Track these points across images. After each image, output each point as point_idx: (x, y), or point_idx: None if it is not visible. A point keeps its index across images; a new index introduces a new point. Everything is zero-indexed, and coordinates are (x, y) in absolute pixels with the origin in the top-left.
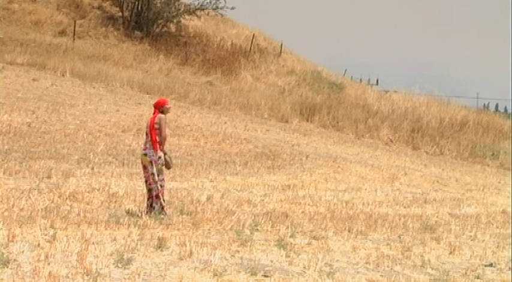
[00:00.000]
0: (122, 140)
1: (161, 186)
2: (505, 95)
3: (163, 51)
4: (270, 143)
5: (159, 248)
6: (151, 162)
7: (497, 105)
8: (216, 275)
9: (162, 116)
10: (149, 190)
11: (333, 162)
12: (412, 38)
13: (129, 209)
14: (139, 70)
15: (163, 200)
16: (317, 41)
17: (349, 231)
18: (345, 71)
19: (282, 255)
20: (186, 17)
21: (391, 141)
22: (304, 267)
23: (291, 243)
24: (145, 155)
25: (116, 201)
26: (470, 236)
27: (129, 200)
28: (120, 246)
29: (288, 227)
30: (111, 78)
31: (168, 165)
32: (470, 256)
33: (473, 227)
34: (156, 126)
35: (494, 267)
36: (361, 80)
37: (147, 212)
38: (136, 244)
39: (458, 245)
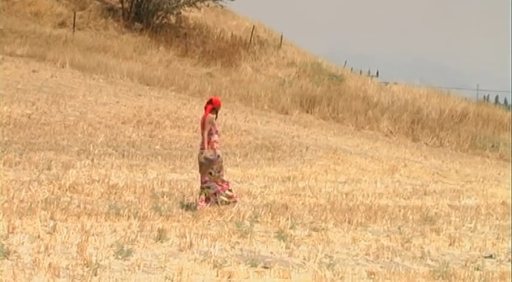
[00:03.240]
0: (122, 132)
1: (222, 181)
2: (505, 87)
3: (163, 43)
4: (270, 135)
5: (159, 239)
6: (212, 161)
7: (497, 97)
8: (216, 267)
9: (212, 116)
10: (203, 189)
11: (333, 153)
12: (412, 30)
13: (129, 200)
14: (139, 62)
15: (230, 190)
16: (317, 33)
17: (349, 223)
18: (345, 62)
19: (282, 247)
20: (186, 8)
21: (391, 132)
22: (304, 259)
23: (291, 235)
24: (202, 154)
25: (115, 193)
26: (470, 227)
27: (129, 191)
28: (120, 237)
29: (288, 219)
30: (111, 69)
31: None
32: (470, 248)
33: (473, 219)
34: (208, 126)
35: (494, 258)
36: (361, 71)
37: (198, 207)
38: (136, 235)
39: (458, 236)
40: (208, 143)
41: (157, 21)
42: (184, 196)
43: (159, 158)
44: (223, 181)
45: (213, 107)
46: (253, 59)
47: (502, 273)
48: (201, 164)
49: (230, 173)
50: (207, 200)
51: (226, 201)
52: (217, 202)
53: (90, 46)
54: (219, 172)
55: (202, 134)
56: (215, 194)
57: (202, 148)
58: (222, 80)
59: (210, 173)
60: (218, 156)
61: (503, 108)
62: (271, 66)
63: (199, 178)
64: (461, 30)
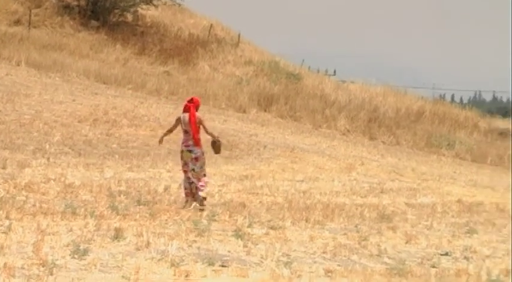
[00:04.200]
0: (78, 130)
1: (204, 175)
2: (460, 86)
3: (120, 41)
4: (227, 133)
5: (116, 238)
6: (196, 158)
7: (453, 96)
8: (173, 265)
9: (200, 115)
10: (190, 183)
11: (291, 152)
12: (369, 29)
13: (85, 199)
14: (95, 60)
15: (207, 192)
16: (275, 32)
17: (306, 221)
18: (303, 61)
19: (239, 245)
20: (143, 6)
21: (348, 131)
22: (262, 257)
23: (249, 233)
24: (189, 151)
25: (72, 192)
26: (426, 225)
27: (85, 190)
28: (76, 236)
29: (245, 217)
30: (67, 67)
31: (218, 150)
32: (426, 245)
33: (429, 217)
34: (198, 124)
35: (449, 256)
36: (318, 70)
37: (186, 204)
38: (93, 235)
39: (414, 234)
40: (199, 140)
41: (114, 19)
42: (141, 195)
43: (116, 156)
44: (204, 175)
45: (195, 106)
46: (210, 58)
47: (458, 271)
48: (186, 162)
49: None
50: (188, 195)
51: (204, 198)
52: (194, 198)
53: (46, 44)
54: (201, 168)
55: (193, 131)
56: (196, 188)
57: (188, 145)
58: (180, 79)
59: (193, 170)
60: (203, 153)
61: (459, 106)
62: (228, 64)
63: (183, 174)
64: (418, 30)
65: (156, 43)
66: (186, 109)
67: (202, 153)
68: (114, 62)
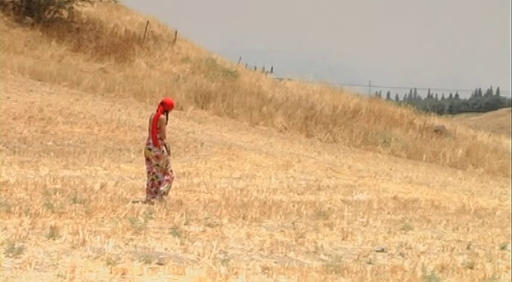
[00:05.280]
0: (13, 128)
1: (171, 171)
2: (396, 83)
3: (55, 38)
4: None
5: (52, 236)
6: (157, 156)
7: (388, 93)
8: (110, 264)
9: (163, 117)
10: (152, 180)
11: (228, 149)
12: (306, 27)
13: (20, 197)
14: (30, 56)
15: (169, 187)
16: (212, 29)
17: (243, 219)
18: (240, 58)
19: (176, 243)
20: (79, 3)
21: (285, 128)
22: (199, 255)
23: (186, 231)
24: (149, 149)
25: (6, 190)
26: (362, 222)
27: (20, 188)
28: (11, 235)
29: (182, 215)
30: (1, 64)
31: (168, 153)
32: (362, 242)
33: (365, 213)
34: (158, 125)
35: (385, 252)
36: (255, 67)
37: (147, 200)
38: (28, 233)
39: (351, 231)
40: (157, 140)
41: (49, 16)
42: (77, 193)
43: (52, 154)
44: (171, 171)
45: (164, 108)
46: (147, 55)
47: (394, 267)
48: (148, 158)
49: (124, 169)
50: (150, 189)
51: (165, 192)
52: (156, 192)
53: None
54: (166, 166)
55: (152, 131)
56: (160, 183)
57: (148, 144)
58: (116, 76)
59: (157, 165)
60: (163, 151)
61: (394, 104)
62: (165, 61)
63: (146, 169)
64: (354, 28)
65: (92, 40)
66: (158, 109)
67: (163, 152)
68: (49, 59)
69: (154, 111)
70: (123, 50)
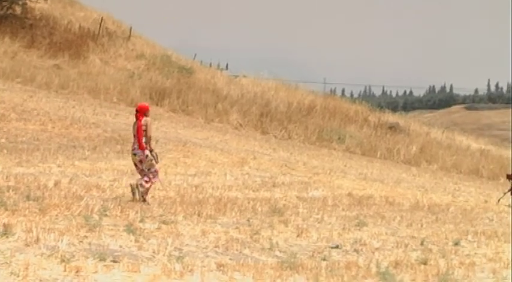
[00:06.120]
0: None
1: (153, 176)
2: (351, 80)
3: (8, 34)
4: (119, 128)
5: (5, 234)
6: (140, 160)
7: (343, 90)
8: (64, 261)
9: (149, 119)
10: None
11: (183, 146)
12: (260, 24)
13: None
14: None
15: (146, 191)
16: (167, 26)
17: (198, 216)
18: (195, 55)
19: (131, 240)
20: None
21: (241, 125)
22: (154, 252)
23: (141, 228)
24: (134, 154)
25: None
26: (317, 218)
27: None
28: None
29: (137, 212)
30: None
31: (155, 160)
32: (317, 238)
33: (320, 210)
34: (143, 128)
35: (340, 248)
36: (210, 64)
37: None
38: None
39: (306, 227)
40: (145, 143)
41: (1, 12)
42: (30, 190)
43: (4, 151)
44: (153, 176)
45: (142, 113)
46: (101, 51)
47: (348, 263)
48: (135, 163)
49: (78, 166)
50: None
51: (141, 192)
52: (137, 191)
53: None
54: (148, 169)
55: (138, 136)
56: (141, 185)
57: (133, 149)
58: (70, 72)
59: (142, 170)
60: (147, 156)
61: (349, 101)
62: (120, 58)
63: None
64: (309, 25)
65: (45, 36)
66: (136, 116)
67: (147, 156)
68: (2, 55)
69: (135, 120)
70: (77, 46)
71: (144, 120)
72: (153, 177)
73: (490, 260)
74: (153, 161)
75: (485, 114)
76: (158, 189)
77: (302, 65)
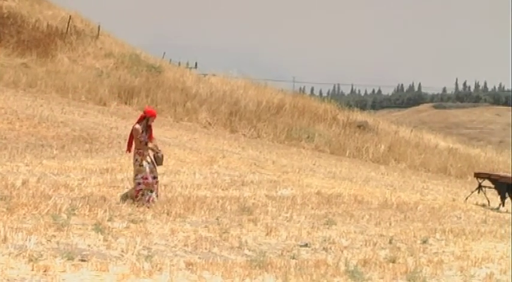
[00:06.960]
0: None
1: (138, 183)
2: (320, 79)
3: None
4: (87, 126)
5: None
6: (134, 164)
7: (312, 89)
8: (32, 261)
9: (137, 127)
10: (153, 178)
11: None
12: (229, 22)
13: None
14: None
15: (130, 194)
16: (135, 24)
17: (167, 214)
18: (164, 54)
19: (99, 239)
20: None
21: (210, 124)
22: (122, 251)
23: (109, 227)
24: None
25: None
26: (286, 217)
27: None
28: None
29: (106, 211)
30: None
31: (159, 162)
32: (286, 237)
33: (289, 209)
34: (133, 133)
35: (309, 247)
36: (179, 63)
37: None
38: None
39: (275, 226)
40: (130, 147)
41: None
42: None
43: None
44: (139, 183)
45: (144, 116)
46: (70, 50)
47: (317, 262)
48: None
49: (47, 165)
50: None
51: (128, 195)
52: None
53: None
54: (135, 175)
55: (129, 139)
56: (138, 191)
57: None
58: (38, 71)
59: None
60: (136, 160)
61: (318, 99)
62: (88, 57)
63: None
64: (277, 23)
65: (13, 34)
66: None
67: (136, 160)
68: None
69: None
70: (45, 44)
71: (134, 128)
72: (137, 185)
73: (458, 258)
74: (142, 167)
75: (453, 113)
76: (127, 188)
77: (271, 63)
